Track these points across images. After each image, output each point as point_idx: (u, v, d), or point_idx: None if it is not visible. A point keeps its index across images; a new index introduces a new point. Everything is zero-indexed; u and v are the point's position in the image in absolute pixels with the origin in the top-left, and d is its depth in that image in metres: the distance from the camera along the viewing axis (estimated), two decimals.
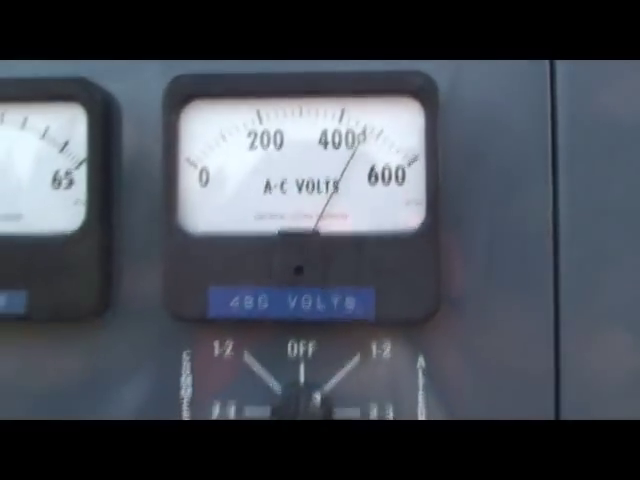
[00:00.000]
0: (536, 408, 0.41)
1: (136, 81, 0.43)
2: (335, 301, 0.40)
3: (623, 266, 0.41)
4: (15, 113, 0.42)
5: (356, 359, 0.42)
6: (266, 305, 0.40)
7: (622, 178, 0.42)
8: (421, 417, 0.42)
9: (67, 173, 0.42)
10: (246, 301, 0.40)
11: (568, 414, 0.41)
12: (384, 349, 0.42)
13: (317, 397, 0.41)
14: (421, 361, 0.42)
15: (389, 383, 0.42)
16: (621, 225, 0.42)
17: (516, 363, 0.42)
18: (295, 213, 0.41)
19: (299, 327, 0.42)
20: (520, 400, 0.41)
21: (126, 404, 0.43)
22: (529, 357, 0.41)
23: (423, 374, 0.42)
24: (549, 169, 0.42)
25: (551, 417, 0.42)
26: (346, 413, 0.42)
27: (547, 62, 0.43)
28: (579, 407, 0.41)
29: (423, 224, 0.40)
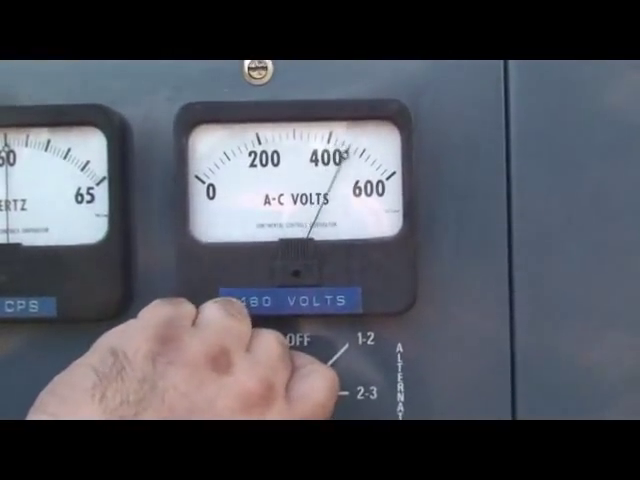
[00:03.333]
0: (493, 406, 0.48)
1: (145, 106, 0.48)
2: (328, 299, 0.46)
3: (573, 261, 0.48)
4: (39, 136, 0.47)
5: (345, 347, 0.49)
6: (269, 304, 0.46)
7: (572, 180, 0.48)
8: (400, 396, 0.49)
9: (89, 189, 0.47)
10: (252, 300, 0.46)
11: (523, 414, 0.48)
12: (368, 337, 0.49)
13: None
14: (399, 347, 0.49)
15: (373, 367, 0.49)
16: (570, 226, 0.48)
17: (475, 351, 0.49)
18: (291, 222, 0.47)
19: (296, 322, 0.48)
20: (476, 398, 0.48)
21: None
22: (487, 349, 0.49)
23: (401, 358, 0.49)
24: (504, 179, 0.49)
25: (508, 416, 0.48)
26: None
27: (501, 63, 0.48)
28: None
29: (401, 230, 0.46)
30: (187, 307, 0.43)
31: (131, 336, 0.39)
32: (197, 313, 0.43)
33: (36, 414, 0.36)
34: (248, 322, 0.43)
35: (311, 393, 0.42)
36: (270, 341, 0.43)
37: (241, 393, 0.39)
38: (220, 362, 0.40)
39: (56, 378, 0.38)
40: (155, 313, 0.41)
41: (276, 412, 0.40)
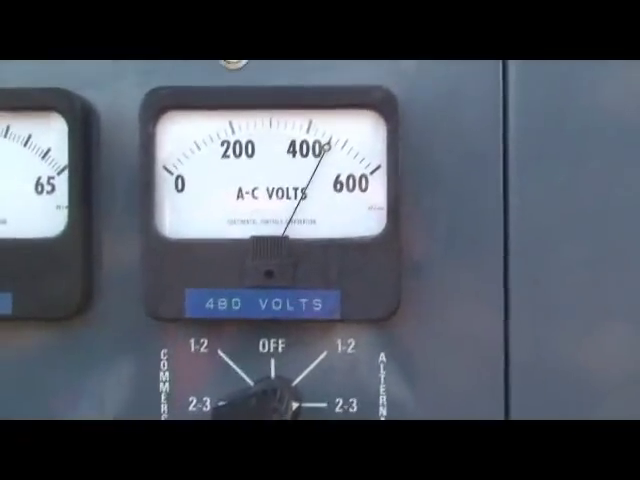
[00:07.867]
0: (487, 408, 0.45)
1: (113, 91, 0.45)
2: (303, 302, 0.43)
3: (569, 261, 0.45)
4: None
5: (323, 355, 0.45)
6: (239, 306, 0.43)
7: (569, 177, 0.45)
8: (382, 409, 0.45)
9: (49, 179, 0.44)
10: (220, 302, 0.43)
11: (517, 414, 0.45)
12: (349, 345, 0.45)
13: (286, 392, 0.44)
14: (382, 357, 0.45)
15: (353, 377, 0.45)
16: (566, 217, 0.45)
17: (467, 363, 0.45)
18: (265, 219, 0.44)
19: (270, 326, 0.44)
20: (470, 399, 0.45)
21: (107, 398, 0.45)
22: (480, 357, 0.45)
23: (384, 369, 0.45)
24: (500, 176, 0.45)
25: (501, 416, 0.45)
26: (314, 406, 0.45)
27: (500, 62, 0.45)
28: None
29: (384, 229, 0.43)
30: None
31: None
32: None
33: None
34: None
35: None
36: None
37: None
38: None
39: None
40: None
41: None
